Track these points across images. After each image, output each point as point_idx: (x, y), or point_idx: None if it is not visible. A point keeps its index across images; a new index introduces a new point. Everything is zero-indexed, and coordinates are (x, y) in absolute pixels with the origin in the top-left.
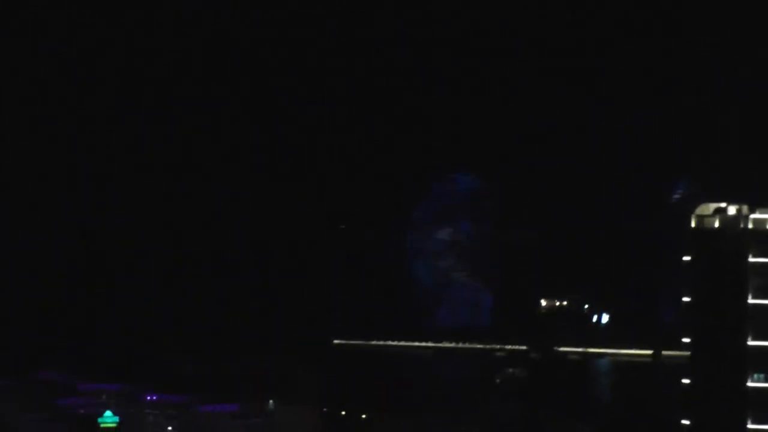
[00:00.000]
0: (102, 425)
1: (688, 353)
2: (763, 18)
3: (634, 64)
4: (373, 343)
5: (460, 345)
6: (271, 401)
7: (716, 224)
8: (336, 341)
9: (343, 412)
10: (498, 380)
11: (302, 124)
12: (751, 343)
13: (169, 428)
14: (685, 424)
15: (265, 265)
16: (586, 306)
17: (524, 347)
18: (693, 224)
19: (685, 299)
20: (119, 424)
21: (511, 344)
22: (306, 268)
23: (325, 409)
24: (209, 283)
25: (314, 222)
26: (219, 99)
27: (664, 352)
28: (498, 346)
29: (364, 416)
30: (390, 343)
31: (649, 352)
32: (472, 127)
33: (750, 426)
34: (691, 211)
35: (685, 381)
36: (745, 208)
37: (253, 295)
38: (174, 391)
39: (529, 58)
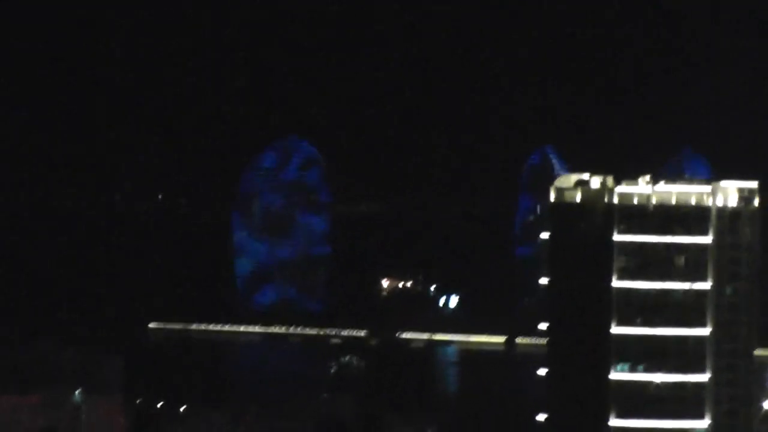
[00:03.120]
0: None
1: (545, 341)
2: None
3: (496, 27)
4: (194, 327)
5: (291, 330)
6: (77, 392)
7: (577, 198)
8: (151, 325)
9: (159, 405)
10: (333, 369)
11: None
12: (614, 330)
13: None
14: (541, 420)
15: (67, 241)
16: (433, 287)
17: (362, 333)
18: (552, 198)
19: (543, 281)
20: None
21: (348, 329)
22: (114, 243)
23: (138, 401)
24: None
25: (125, 193)
26: None
27: (519, 340)
28: (333, 332)
29: (182, 409)
30: (212, 327)
31: (502, 339)
32: (310, 91)
33: (612, 422)
34: (550, 183)
35: (542, 371)
36: (609, 180)
37: (51, 274)
38: None
39: (382, 23)
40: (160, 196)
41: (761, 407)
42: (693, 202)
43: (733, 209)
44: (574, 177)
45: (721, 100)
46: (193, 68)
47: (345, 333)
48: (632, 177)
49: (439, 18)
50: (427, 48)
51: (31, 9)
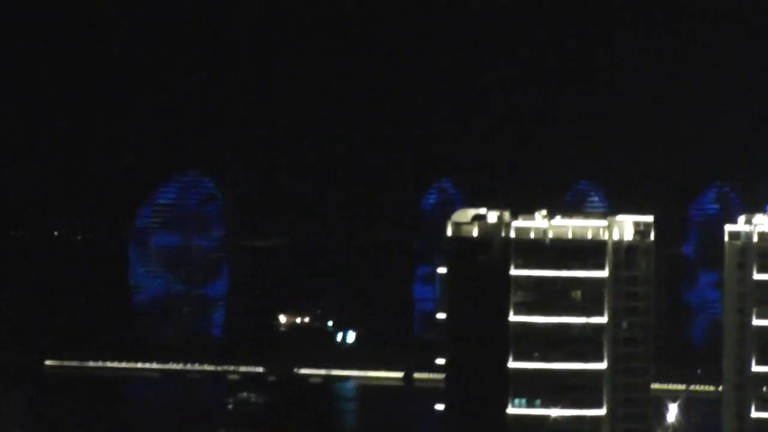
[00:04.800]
0: None
1: (443, 376)
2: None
3: (402, 60)
4: (91, 364)
5: (189, 366)
6: None
7: (475, 232)
8: (48, 362)
9: None
10: (230, 405)
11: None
12: (512, 364)
13: None
14: None
15: None
16: (330, 323)
17: (260, 369)
18: (449, 232)
19: (440, 316)
20: None
21: (246, 365)
22: (10, 277)
23: None
24: None
25: (19, 225)
26: None
27: (417, 375)
28: (231, 368)
29: None
30: (110, 364)
31: (400, 374)
32: (210, 127)
33: None
34: (448, 218)
35: (440, 407)
36: (506, 215)
37: None
38: None
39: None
40: (56, 233)
41: None
42: (589, 236)
43: (629, 243)
44: (471, 211)
45: (620, 134)
46: (104, 101)
47: (243, 369)
48: (529, 211)
49: (371, 49)
50: (332, 74)
51: None
